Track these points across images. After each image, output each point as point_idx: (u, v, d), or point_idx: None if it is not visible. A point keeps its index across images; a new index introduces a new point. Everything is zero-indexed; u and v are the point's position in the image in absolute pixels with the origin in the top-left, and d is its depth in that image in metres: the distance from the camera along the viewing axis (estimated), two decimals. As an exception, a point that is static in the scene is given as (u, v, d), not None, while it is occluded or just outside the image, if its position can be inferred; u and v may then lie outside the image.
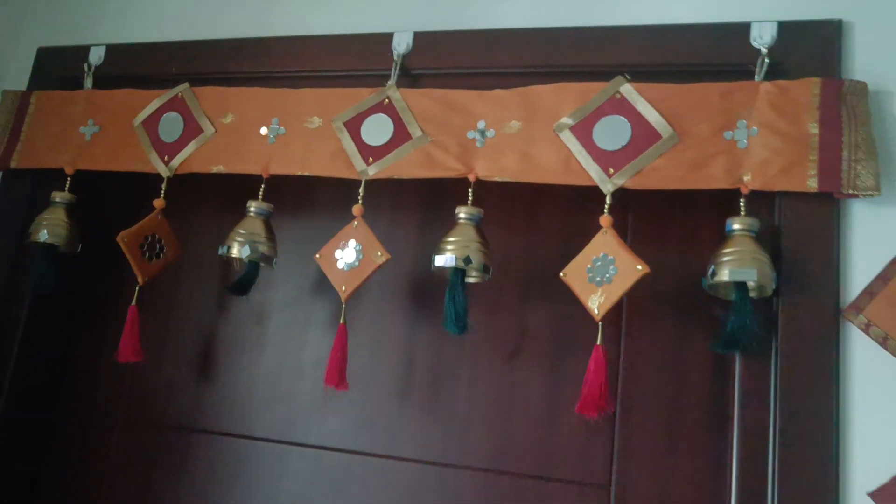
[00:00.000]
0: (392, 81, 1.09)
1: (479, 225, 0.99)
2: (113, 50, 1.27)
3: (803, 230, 0.91)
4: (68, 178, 1.19)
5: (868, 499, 0.82)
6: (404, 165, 1.03)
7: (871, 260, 0.88)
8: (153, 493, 1.16)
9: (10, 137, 1.25)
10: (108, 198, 1.27)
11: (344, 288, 1.01)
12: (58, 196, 1.18)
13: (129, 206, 1.23)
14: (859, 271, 0.88)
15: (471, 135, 1.02)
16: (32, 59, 1.34)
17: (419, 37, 1.12)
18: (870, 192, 0.86)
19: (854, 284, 0.88)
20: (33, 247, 1.17)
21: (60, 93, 1.25)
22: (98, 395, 1.23)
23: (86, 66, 1.27)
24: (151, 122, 1.17)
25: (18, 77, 1.34)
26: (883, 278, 0.86)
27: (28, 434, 1.21)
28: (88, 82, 1.26)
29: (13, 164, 1.23)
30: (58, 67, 1.31)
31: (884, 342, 0.85)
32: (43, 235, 1.14)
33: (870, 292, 0.87)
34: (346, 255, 1.02)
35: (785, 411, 0.86)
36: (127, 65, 1.27)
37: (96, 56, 1.27)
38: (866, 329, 0.86)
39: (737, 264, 0.87)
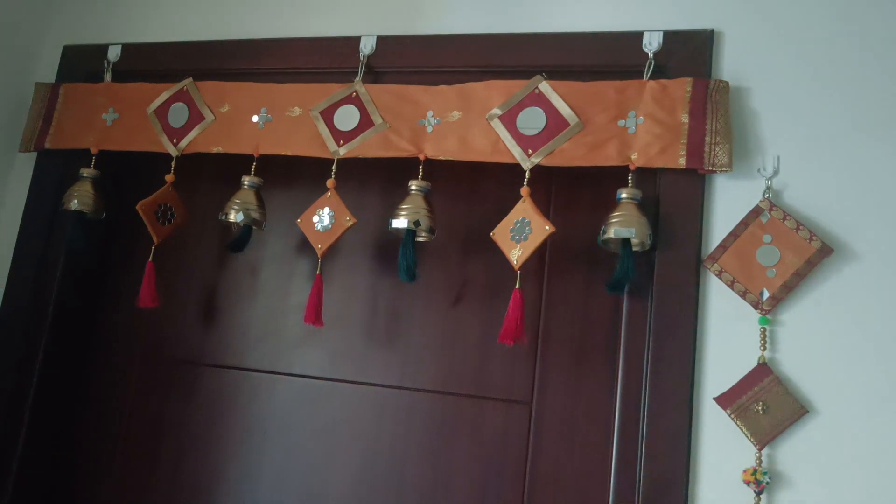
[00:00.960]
0: (359, 78, 1.33)
1: (428, 195, 1.24)
2: (128, 48, 1.51)
3: (676, 198, 1.15)
4: (93, 157, 1.44)
5: (713, 402, 1.08)
6: (368, 147, 1.28)
7: (726, 221, 1.13)
8: (167, 415, 1.41)
9: (43, 123, 1.49)
10: (126, 174, 1.51)
11: (320, 246, 1.26)
12: (85, 172, 1.43)
13: (143, 181, 1.47)
14: (716, 230, 1.13)
15: (421, 122, 1.26)
16: (59, 56, 1.57)
17: (382, 40, 1.35)
18: (724, 168, 1.11)
19: (712, 240, 1.13)
20: (66, 214, 1.42)
21: (84, 85, 1.49)
22: (120, 336, 1.48)
23: (105, 62, 1.50)
24: (162, 111, 1.41)
25: (47, 71, 1.57)
26: (733, 235, 1.11)
27: (65, 368, 1.46)
28: (108, 76, 1.49)
29: (47, 146, 1.47)
30: (81, 63, 1.54)
31: (731, 284, 1.10)
32: (74, 204, 1.39)
33: (723, 246, 1.12)
34: (321, 219, 1.27)
35: (657, 338, 1.12)
36: (140, 61, 1.50)
37: (114, 54, 1.51)
38: (719, 274, 1.11)
39: (621, 224, 1.11)
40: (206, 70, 1.44)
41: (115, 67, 1.50)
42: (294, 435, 1.33)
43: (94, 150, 1.44)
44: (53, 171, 1.50)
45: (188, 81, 1.41)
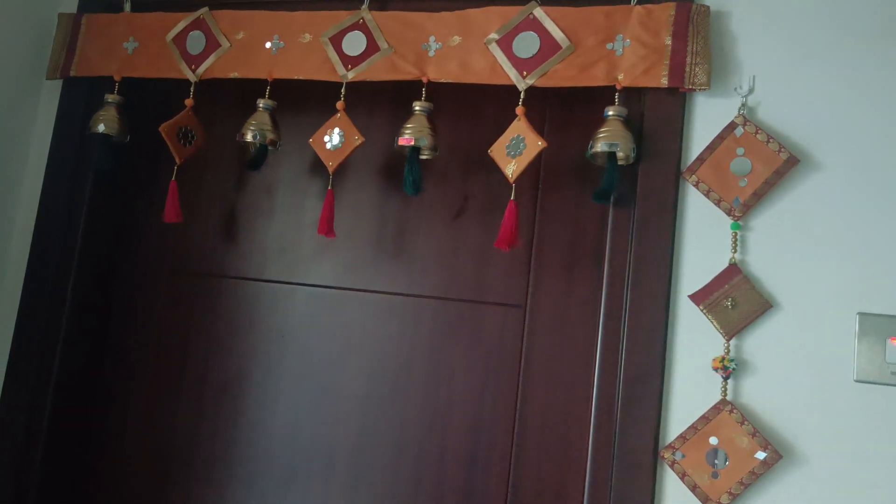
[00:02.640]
0: (365, 5, 1.41)
1: (430, 115, 1.34)
2: (145, -21, 1.59)
3: (658, 115, 1.25)
4: (116, 84, 1.53)
5: (688, 299, 1.20)
6: (375, 70, 1.37)
7: (704, 136, 1.23)
8: (193, 324, 1.54)
9: (67, 52, 1.58)
10: (147, 99, 1.60)
11: (331, 163, 1.36)
12: (110, 97, 1.52)
13: (163, 106, 1.57)
14: (695, 144, 1.24)
15: (424, 47, 1.35)
16: (79, -14, 1.65)
17: (386, -31, 1.44)
18: (703, 87, 1.21)
19: (691, 154, 1.23)
20: (93, 137, 1.52)
21: (105, 15, 1.57)
22: (147, 251, 1.60)
23: (124, -7, 1.59)
24: (180, 39, 1.50)
25: (68, 3, 1.66)
26: (710, 149, 1.21)
27: (96, 282, 1.59)
28: (127, 7, 1.58)
29: (72, 73, 1.57)
30: (101, -6, 1.63)
31: (707, 193, 1.21)
32: (101, 127, 1.49)
33: (700, 159, 1.22)
34: (332, 138, 1.37)
35: (639, 243, 1.23)
36: (157, -8, 1.59)
37: (132, -16, 1.59)
38: (696, 185, 1.22)
39: (607, 139, 1.22)
40: (221, 0, 1.52)
41: (134, -2, 1.59)
42: (311, 339, 1.46)
43: (116, 77, 1.53)
44: (79, 97, 1.60)
45: (204, 10, 1.50)
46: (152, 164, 1.61)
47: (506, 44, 1.30)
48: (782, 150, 1.17)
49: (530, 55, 1.29)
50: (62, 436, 1.53)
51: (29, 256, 1.55)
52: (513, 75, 1.29)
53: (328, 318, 1.46)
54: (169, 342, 1.55)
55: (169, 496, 1.49)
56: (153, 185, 1.61)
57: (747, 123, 1.19)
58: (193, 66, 1.48)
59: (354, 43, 1.39)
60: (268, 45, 1.44)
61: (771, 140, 1.18)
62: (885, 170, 1.15)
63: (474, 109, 1.44)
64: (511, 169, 1.26)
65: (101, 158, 1.52)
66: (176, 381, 1.53)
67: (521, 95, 1.28)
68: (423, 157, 1.36)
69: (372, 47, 1.38)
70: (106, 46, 1.56)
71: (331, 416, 1.43)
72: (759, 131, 1.18)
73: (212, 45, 1.48)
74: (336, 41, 1.40)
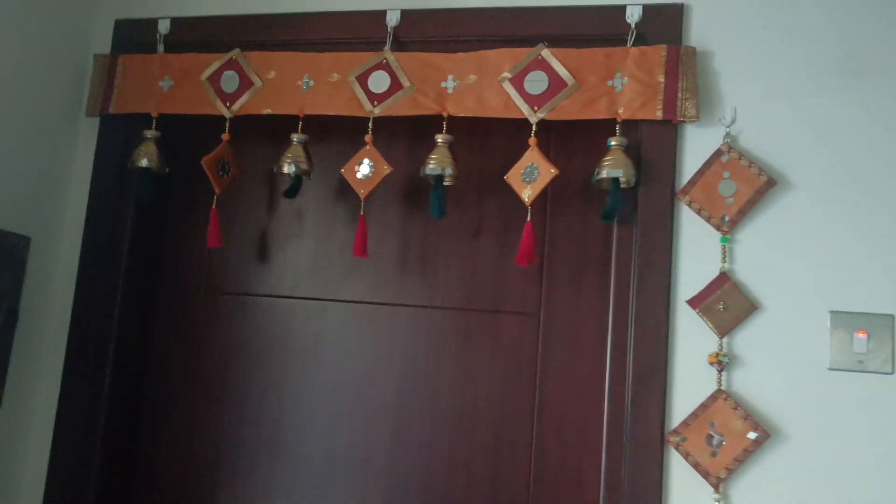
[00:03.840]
0: (388, 47, 1.57)
1: (452, 146, 1.50)
2: (176, 22, 1.72)
3: (655, 144, 1.43)
4: (154, 120, 1.67)
5: (686, 304, 1.38)
6: (399, 106, 1.53)
7: (694, 161, 1.41)
8: (231, 341, 1.68)
9: (105, 90, 1.71)
10: (180, 134, 1.73)
11: (362, 191, 1.52)
12: (148, 133, 1.65)
13: (196, 140, 1.71)
14: (687, 169, 1.42)
15: (443, 84, 1.52)
16: (111, 29, 1.77)
17: (405, 14, 1.59)
18: (693, 119, 1.39)
19: (684, 177, 1.42)
20: (136, 170, 1.65)
21: (141, 56, 1.70)
22: (189, 274, 1.73)
23: (157, 34, 1.71)
24: (215, 78, 1.64)
25: (101, 44, 1.77)
26: (700, 172, 1.40)
27: (139, 306, 1.72)
28: (161, 48, 1.71)
29: (111, 110, 1.69)
30: (133, 35, 1.75)
31: (699, 212, 1.39)
32: (144, 162, 1.62)
33: (692, 181, 1.40)
34: (362, 168, 1.52)
35: (641, 256, 1.41)
36: (188, 33, 1.71)
37: (164, 27, 1.72)
38: (689, 204, 1.40)
39: (611, 166, 1.39)
40: (249, 41, 1.66)
41: (166, 40, 1.71)
42: (344, 350, 1.62)
43: (154, 114, 1.67)
44: (116, 133, 1.72)
45: (236, 52, 1.64)
46: (188, 194, 1.75)
47: (518, 81, 1.47)
48: (762, 173, 1.36)
49: (540, 92, 1.46)
50: (115, 448, 1.66)
51: (77, 280, 1.67)
52: (525, 110, 1.46)
53: (359, 331, 1.62)
54: (209, 358, 1.69)
55: (220, 496, 1.63)
56: (190, 213, 1.74)
57: (731, 150, 1.38)
58: (228, 104, 1.62)
59: (379, 81, 1.55)
60: (298, 83, 1.59)
61: (752, 164, 1.37)
62: (849, 188, 1.35)
63: (486, 140, 1.60)
64: (527, 193, 1.43)
65: (143, 191, 1.65)
66: (219, 393, 1.67)
67: (533, 128, 1.45)
68: (446, 183, 1.53)
69: (395, 85, 1.54)
70: (142, 85, 1.68)
71: (366, 420, 1.58)
72: (742, 157, 1.37)
73: (245, 83, 1.62)
74: (362, 80, 1.56)
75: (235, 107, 1.62)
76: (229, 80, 1.63)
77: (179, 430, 1.68)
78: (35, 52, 1.63)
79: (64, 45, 1.73)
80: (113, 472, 1.66)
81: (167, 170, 1.67)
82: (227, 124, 1.62)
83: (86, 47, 1.78)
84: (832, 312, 1.32)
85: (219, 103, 1.63)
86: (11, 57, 1.56)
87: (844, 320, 1.32)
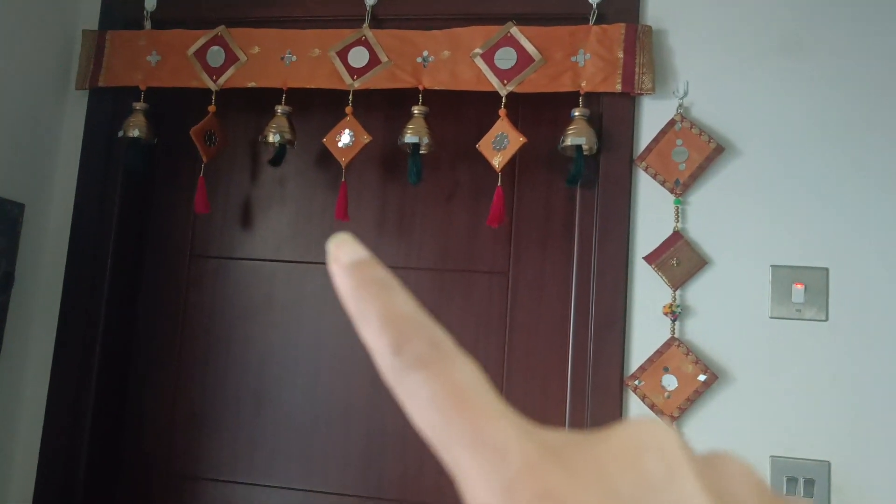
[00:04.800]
0: (366, 24, 1.67)
1: (427, 117, 1.61)
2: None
3: (615, 115, 1.56)
4: (142, 93, 1.75)
5: (643, 260, 1.52)
6: (377, 80, 1.63)
7: (650, 130, 1.54)
8: (217, 304, 1.78)
9: (94, 65, 1.78)
10: (167, 106, 1.82)
11: (343, 159, 1.62)
12: (137, 105, 1.73)
13: (182, 111, 1.79)
14: (644, 137, 1.55)
15: (419, 60, 1.62)
16: (98, 6, 1.85)
17: (382, -7, 1.70)
18: (649, 91, 1.52)
19: (641, 145, 1.55)
20: (125, 140, 1.73)
21: (129, 32, 1.78)
22: (173, 236, 1.82)
23: (144, 11, 1.79)
24: (201, 53, 1.73)
25: (88, 21, 1.85)
26: (655, 140, 1.53)
27: (129, 269, 1.80)
28: (147, 24, 1.79)
29: (100, 83, 1.77)
30: (120, 13, 1.83)
31: (654, 176, 1.52)
32: (136, 132, 1.70)
33: (648, 149, 1.53)
34: (343, 138, 1.63)
35: (602, 217, 1.54)
36: (174, 11, 1.80)
37: (151, 4, 1.79)
38: (646, 170, 1.53)
39: (575, 135, 1.52)
40: (233, 18, 1.75)
41: (153, 16, 1.79)
42: (323, 311, 1.72)
43: (142, 87, 1.75)
44: (105, 106, 1.80)
45: (221, 28, 1.72)
46: (174, 163, 1.83)
47: (488, 57, 1.59)
48: (711, 140, 1.49)
49: (509, 67, 1.57)
50: (106, 402, 1.74)
51: (69, 245, 1.75)
52: (495, 83, 1.57)
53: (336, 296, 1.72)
54: (195, 317, 1.78)
55: (206, 448, 1.73)
56: (176, 181, 1.83)
57: (684, 120, 1.51)
58: (215, 77, 1.71)
59: (358, 56, 1.65)
60: (282, 58, 1.68)
61: (702, 133, 1.50)
62: (789, 155, 1.49)
63: (459, 111, 1.72)
64: (497, 160, 1.54)
65: (132, 160, 1.73)
66: (205, 350, 1.76)
67: (503, 100, 1.57)
68: (422, 152, 1.63)
69: (374, 60, 1.64)
70: (130, 60, 1.76)
71: (345, 374, 1.69)
72: (693, 126, 1.51)
73: (230, 58, 1.71)
74: (342, 55, 1.66)
75: (221, 80, 1.71)
76: (215, 55, 1.72)
77: (167, 384, 1.77)
78: (25, 28, 1.70)
79: (53, 20, 1.79)
80: (104, 424, 1.74)
81: (156, 140, 1.75)
82: (214, 97, 1.71)
83: (74, 23, 1.85)
84: (773, 266, 1.47)
85: (205, 77, 1.72)
86: (2, 33, 1.63)
87: (784, 273, 1.46)
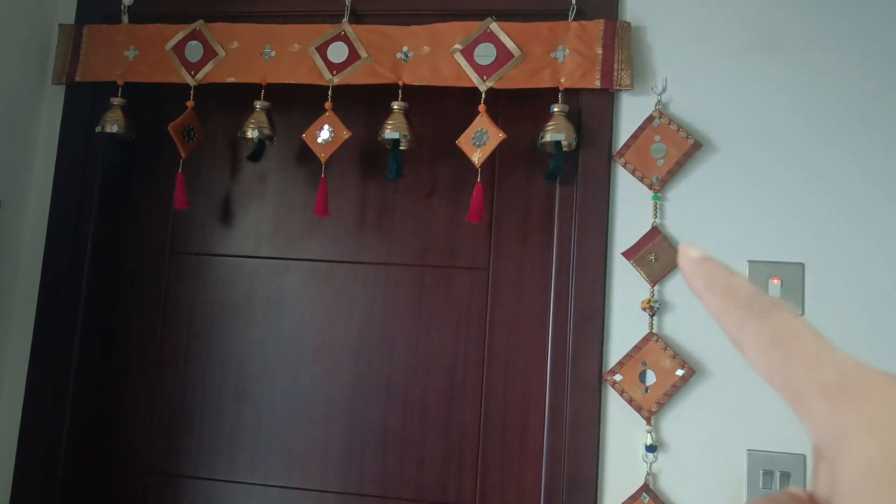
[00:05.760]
0: (345, 19, 1.67)
1: (407, 112, 1.61)
2: (140, -6, 1.79)
3: (594, 110, 1.57)
4: (120, 88, 1.73)
5: (622, 256, 1.52)
6: (357, 75, 1.63)
7: (629, 126, 1.55)
8: (197, 298, 1.77)
9: (71, 60, 1.77)
10: (145, 101, 1.81)
11: (323, 154, 1.62)
12: (115, 100, 1.72)
13: (160, 107, 1.78)
14: (622, 133, 1.56)
15: (398, 55, 1.62)
16: (74, 1, 1.83)
17: (361, -12, 1.69)
18: (628, 88, 1.53)
19: (620, 141, 1.55)
20: (103, 136, 1.72)
21: (106, 26, 1.77)
22: (154, 235, 1.81)
23: (121, 6, 1.78)
24: (179, 48, 1.71)
25: (64, 15, 1.83)
26: (634, 136, 1.54)
27: (107, 265, 1.79)
28: (125, 19, 1.77)
29: (77, 78, 1.75)
30: (96, 7, 1.81)
31: (633, 172, 1.53)
32: (114, 127, 1.68)
33: (627, 145, 1.54)
34: (322, 133, 1.62)
35: (581, 213, 1.54)
36: (151, 5, 1.78)
37: (128, -1, 1.79)
38: (625, 165, 1.54)
39: (554, 131, 1.52)
40: (212, 13, 1.74)
41: (130, 10, 1.78)
42: (304, 307, 1.72)
43: (120, 82, 1.73)
44: (82, 101, 1.79)
45: (200, 23, 1.71)
46: (153, 159, 1.82)
47: (468, 53, 1.59)
48: (689, 137, 1.50)
49: (489, 62, 1.57)
50: (85, 401, 1.73)
51: (46, 241, 1.74)
52: (475, 79, 1.57)
53: (319, 288, 1.72)
54: (176, 314, 1.77)
55: (186, 447, 1.72)
56: (155, 177, 1.82)
57: (662, 116, 1.52)
58: (193, 72, 1.70)
59: (338, 52, 1.65)
60: (261, 53, 1.68)
61: (680, 129, 1.51)
62: (765, 151, 1.50)
63: (438, 107, 1.72)
64: (477, 156, 1.55)
65: (109, 156, 1.72)
66: (185, 346, 1.75)
67: (483, 95, 1.57)
68: (402, 147, 1.63)
69: (353, 56, 1.64)
70: (108, 54, 1.75)
71: (327, 369, 1.69)
72: (672, 122, 1.51)
73: (209, 53, 1.70)
74: (322, 50, 1.65)
75: (200, 75, 1.70)
76: (193, 50, 1.71)
77: (146, 381, 1.76)
78: (1, 22, 1.68)
79: (29, 15, 1.78)
80: (83, 421, 1.73)
81: (133, 136, 1.74)
82: (192, 92, 1.70)
83: (50, 18, 1.83)
84: (750, 262, 1.48)
85: (183, 72, 1.70)
86: (-21, 24, 1.62)
87: (760, 268, 1.48)
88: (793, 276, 1.46)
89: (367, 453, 1.65)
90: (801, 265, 1.47)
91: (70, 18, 1.83)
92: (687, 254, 0.29)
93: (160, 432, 1.74)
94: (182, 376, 1.75)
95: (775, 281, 1.46)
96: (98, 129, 1.71)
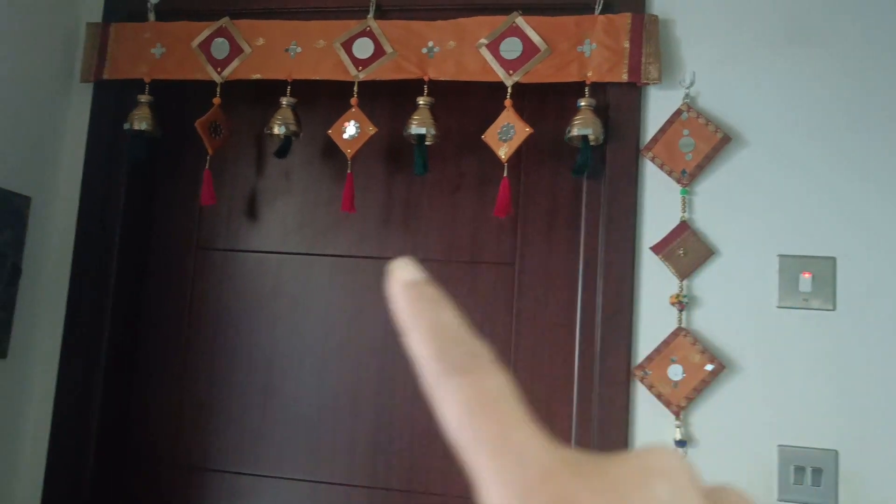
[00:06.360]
0: (371, 15, 1.67)
1: (432, 108, 1.61)
2: (166, -9, 1.80)
3: (621, 105, 1.56)
4: (146, 86, 1.74)
5: (650, 251, 1.51)
6: (382, 71, 1.63)
7: (657, 120, 1.54)
8: (223, 295, 1.78)
9: (98, 57, 1.78)
10: (172, 99, 1.82)
11: (349, 150, 1.62)
12: (142, 98, 1.73)
13: (186, 104, 1.79)
14: (650, 127, 1.55)
15: (424, 50, 1.62)
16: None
17: (386, -16, 1.69)
18: (655, 81, 1.52)
19: (648, 135, 1.54)
20: (130, 133, 1.73)
21: (132, 24, 1.77)
22: (179, 229, 1.82)
23: (148, 3, 1.79)
24: (205, 45, 1.72)
25: (91, 14, 1.85)
26: (662, 130, 1.53)
27: (135, 261, 1.80)
28: (151, 16, 1.78)
29: (105, 76, 1.76)
30: (124, 5, 1.82)
31: (661, 166, 1.52)
32: (143, 125, 1.69)
33: (655, 139, 1.53)
34: (348, 129, 1.62)
35: (608, 208, 1.54)
36: (177, 2, 1.79)
37: (154, -4, 1.80)
38: (653, 160, 1.53)
39: (582, 125, 1.51)
40: (238, 10, 1.74)
41: (157, 8, 1.79)
42: (330, 302, 1.72)
43: (146, 80, 1.74)
44: (109, 98, 1.80)
45: (225, 20, 1.72)
46: (178, 155, 1.83)
47: (494, 47, 1.58)
48: (718, 130, 1.49)
49: (515, 57, 1.57)
50: (114, 395, 1.75)
51: (75, 237, 1.75)
52: (501, 74, 1.57)
53: (345, 283, 1.72)
54: (202, 309, 1.78)
55: (213, 439, 1.73)
56: (181, 174, 1.83)
57: (690, 110, 1.51)
58: (219, 69, 1.71)
59: (363, 48, 1.65)
60: (286, 49, 1.68)
61: (709, 123, 1.50)
62: (795, 144, 1.49)
63: (463, 102, 1.71)
64: (503, 151, 1.54)
65: (136, 153, 1.73)
66: (212, 342, 1.76)
67: (509, 90, 1.56)
68: (428, 143, 1.63)
69: (379, 51, 1.64)
70: (135, 52, 1.76)
71: (353, 364, 1.69)
72: (700, 116, 1.50)
73: (235, 50, 1.70)
74: (347, 46, 1.65)
75: (226, 72, 1.70)
76: (219, 47, 1.71)
77: (174, 376, 1.77)
78: (30, 21, 1.70)
79: (57, 13, 1.79)
80: (112, 415, 1.75)
81: (160, 133, 1.75)
82: (218, 89, 1.71)
83: (77, 16, 1.85)
84: (780, 256, 1.46)
85: (210, 69, 1.71)
86: (7, 27, 1.63)
87: (791, 263, 1.46)
88: (824, 271, 1.45)
89: (394, 448, 1.65)
90: (833, 259, 1.45)
91: (97, 17, 1.84)
92: (396, 276, 0.26)
93: (188, 427, 1.75)
94: (209, 371, 1.76)
95: (806, 275, 1.45)
96: (126, 126, 1.72)
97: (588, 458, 0.22)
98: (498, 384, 0.23)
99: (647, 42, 1.53)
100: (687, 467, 0.22)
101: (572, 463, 0.21)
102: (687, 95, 1.53)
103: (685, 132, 1.51)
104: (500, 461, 0.21)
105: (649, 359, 1.48)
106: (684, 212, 1.50)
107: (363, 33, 1.65)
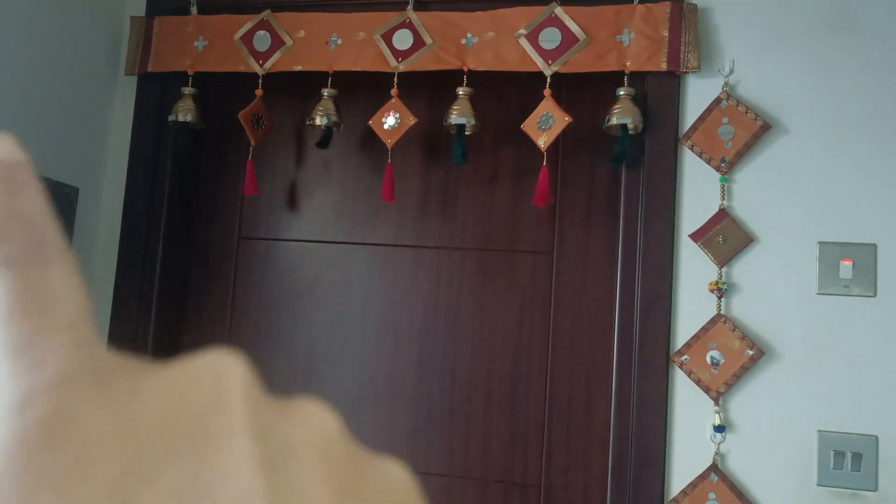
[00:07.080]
0: (410, 7, 1.69)
1: (472, 98, 1.63)
2: (208, -14, 1.83)
3: (660, 93, 1.57)
4: (190, 78, 1.78)
5: (689, 238, 1.53)
6: (422, 62, 1.65)
7: (696, 109, 1.55)
8: (266, 284, 1.81)
9: (142, 51, 1.82)
10: (215, 91, 1.85)
11: (389, 141, 1.64)
12: (186, 90, 1.77)
13: (228, 96, 1.83)
14: (689, 115, 1.56)
15: (463, 41, 1.64)
16: (145, -8, 1.89)
17: (425, -24, 1.71)
18: (695, 70, 1.53)
19: (687, 123, 1.55)
20: (175, 124, 1.77)
21: (175, 18, 1.81)
22: (222, 219, 1.86)
23: (190, -3, 1.83)
24: (247, 38, 1.75)
25: (136, 8, 1.89)
26: (701, 119, 1.54)
27: (180, 245, 1.84)
28: (194, 10, 1.82)
29: (149, 69, 1.81)
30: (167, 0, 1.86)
31: (700, 155, 1.53)
32: (188, 117, 1.73)
33: (694, 127, 1.54)
34: (388, 120, 1.65)
35: (647, 196, 1.55)
36: (219, -4, 1.83)
37: (197, -10, 1.83)
38: (692, 148, 1.54)
39: (621, 114, 1.53)
40: (279, 3, 1.77)
41: (199, 2, 1.82)
42: (369, 290, 1.75)
43: (190, 72, 1.78)
44: (154, 91, 1.84)
45: (267, 13, 1.75)
46: (221, 147, 1.87)
47: (533, 38, 1.60)
48: (758, 118, 1.50)
49: (554, 47, 1.58)
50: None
51: (121, 227, 1.80)
52: (540, 64, 1.59)
53: (384, 272, 1.75)
54: (244, 297, 1.82)
55: (257, 426, 1.77)
56: (223, 165, 1.87)
57: (729, 98, 1.52)
58: (261, 62, 1.74)
59: (403, 39, 1.67)
60: (327, 41, 1.71)
61: (749, 111, 1.50)
62: (835, 131, 1.49)
63: (502, 92, 1.73)
64: (543, 140, 1.56)
65: (181, 144, 1.77)
66: (254, 329, 1.80)
67: (548, 80, 1.58)
68: (467, 132, 1.65)
69: (418, 42, 1.66)
70: (178, 45, 1.80)
71: (392, 352, 1.72)
72: (739, 104, 1.51)
73: (276, 42, 1.74)
74: (387, 38, 1.68)
75: (268, 64, 1.73)
76: (261, 40, 1.74)
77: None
78: (75, 16, 1.74)
79: (101, 8, 1.83)
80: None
81: (204, 125, 1.79)
82: (261, 81, 1.74)
83: (122, 11, 1.89)
84: (820, 243, 1.47)
85: (252, 61, 1.74)
86: (54, 22, 1.67)
87: (831, 249, 1.47)
88: (865, 257, 1.45)
89: (433, 433, 1.68)
90: (874, 246, 1.45)
91: (141, 10, 1.88)
92: None
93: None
94: (251, 360, 1.78)
95: (847, 262, 1.46)
96: (171, 118, 1.76)
97: (143, 366, 0.19)
98: (55, 282, 0.18)
99: (686, 30, 1.54)
100: (244, 372, 0.20)
101: (108, 369, 0.18)
102: (726, 83, 1.54)
103: (724, 120, 1.52)
104: (17, 364, 0.17)
105: (688, 345, 1.49)
106: (723, 199, 1.51)
107: (403, 25, 1.67)
